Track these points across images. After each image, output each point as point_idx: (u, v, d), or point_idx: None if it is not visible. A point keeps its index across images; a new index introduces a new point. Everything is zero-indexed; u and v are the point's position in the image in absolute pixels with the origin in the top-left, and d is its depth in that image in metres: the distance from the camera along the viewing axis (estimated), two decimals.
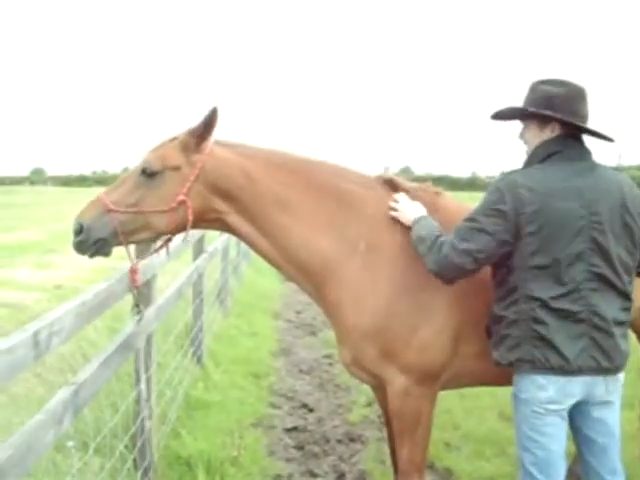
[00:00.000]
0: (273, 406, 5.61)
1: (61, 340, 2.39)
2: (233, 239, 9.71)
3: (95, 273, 11.66)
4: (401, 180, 3.15)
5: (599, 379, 2.50)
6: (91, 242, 2.82)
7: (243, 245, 11.19)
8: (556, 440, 2.53)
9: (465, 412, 5.02)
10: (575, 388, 2.49)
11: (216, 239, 7.90)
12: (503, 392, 4.35)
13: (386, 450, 4.72)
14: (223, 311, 8.06)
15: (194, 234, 3.39)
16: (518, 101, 2.73)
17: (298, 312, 9.50)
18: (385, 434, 5.00)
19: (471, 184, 61.42)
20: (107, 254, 2.91)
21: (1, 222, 21.97)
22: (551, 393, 2.49)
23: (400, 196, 3.01)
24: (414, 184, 3.14)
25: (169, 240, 3.12)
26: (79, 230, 2.82)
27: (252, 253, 13.05)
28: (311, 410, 5.60)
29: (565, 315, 2.46)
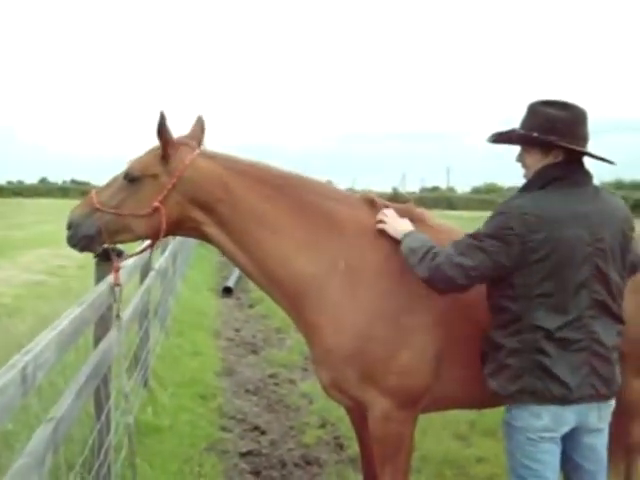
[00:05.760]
0: (224, 429, 5.44)
1: (44, 373, 2.22)
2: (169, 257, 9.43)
3: (20, 288, 11.12)
4: (383, 200, 3.15)
5: (593, 406, 2.52)
6: (78, 238, 2.95)
7: (178, 263, 10.92)
8: (551, 467, 2.54)
9: (420, 433, 5.03)
10: (570, 416, 2.50)
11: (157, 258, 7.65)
12: (453, 411, 4.40)
13: (345, 473, 4.68)
14: (164, 331, 7.81)
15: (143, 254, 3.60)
16: (512, 120, 2.68)
17: (237, 330, 9.31)
18: (343, 456, 5.01)
19: (392, 200, 62.23)
20: (94, 251, 3.05)
21: None
22: (546, 421, 2.49)
23: (389, 211, 3.00)
24: (396, 204, 3.15)
25: (152, 245, 3.22)
26: (69, 225, 2.96)
27: (186, 271, 12.80)
28: (263, 432, 5.46)
29: (567, 344, 2.45)
